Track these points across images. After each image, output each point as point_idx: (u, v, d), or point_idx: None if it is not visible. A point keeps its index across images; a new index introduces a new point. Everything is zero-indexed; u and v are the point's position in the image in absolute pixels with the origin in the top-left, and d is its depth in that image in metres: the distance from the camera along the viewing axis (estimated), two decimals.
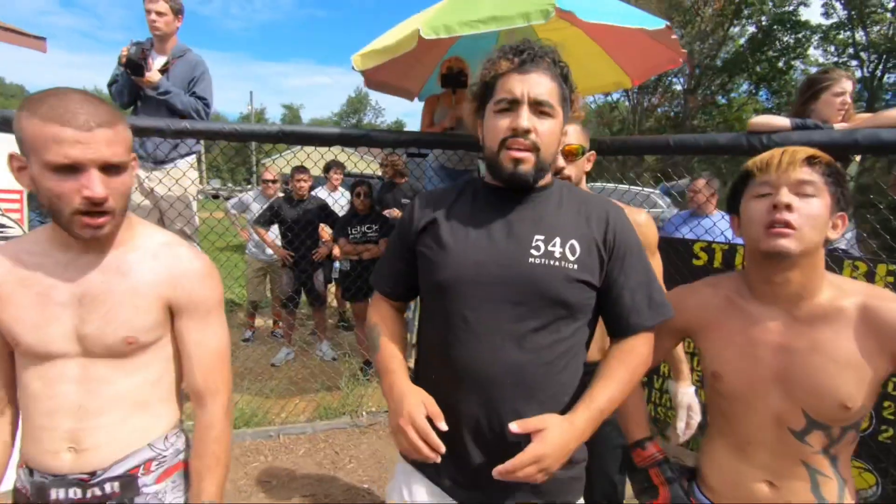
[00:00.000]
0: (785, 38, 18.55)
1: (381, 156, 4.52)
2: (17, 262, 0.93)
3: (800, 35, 18.37)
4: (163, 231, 1.07)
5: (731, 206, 1.03)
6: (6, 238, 2.30)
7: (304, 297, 4.20)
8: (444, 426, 0.89)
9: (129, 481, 0.97)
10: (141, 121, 2.45)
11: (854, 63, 18.30)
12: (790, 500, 0.93)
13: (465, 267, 0.96)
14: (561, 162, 1.42)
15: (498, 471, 0.86)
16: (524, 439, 0.87)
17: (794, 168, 0.90)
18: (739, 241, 4.12)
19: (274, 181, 4.56)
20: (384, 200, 4.21)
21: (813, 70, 19.76)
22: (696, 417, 1.54)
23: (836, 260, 2.24)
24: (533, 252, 0.95)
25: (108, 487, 0.95)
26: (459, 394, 0.95)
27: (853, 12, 16.79)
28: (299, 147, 3.03)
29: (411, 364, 1.10)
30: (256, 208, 4.36)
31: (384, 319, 1.12)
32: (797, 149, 0.93)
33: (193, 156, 2.94)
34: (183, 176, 2.79)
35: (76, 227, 0.87)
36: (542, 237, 0.96)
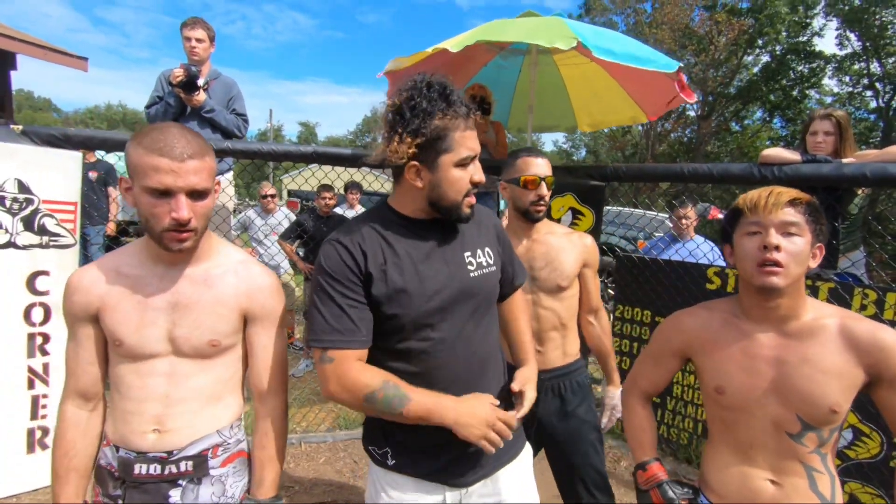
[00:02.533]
0: (799, 68, 18.68)
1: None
2: (120, 273, 1.09)
3: (814, 65, 18.49)
4: (239, 250, 1.23)
5: (725, 236, 1.15)
6: (60, 246, 2.47)
7: None
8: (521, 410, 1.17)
9: (201, 461, 1.10)
10: None
11: (869, 93, 18.35)
12: (792, 495, 1.05)
13: (427, 300, 1.08)
14: (543, 191, 1.67)
15: (517, 417, 1.14)
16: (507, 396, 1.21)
17: (779, 210, 1.03)
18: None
19: (273, 196, 4.62)
20: None
21: (828, 99, 19.89)
22: (617, 415, 1.83)
23: (846, 288, 2.32)
24: (469, 267, 1.15)
25: (182, 465, 1.09)
26: (440, 387, 1.10)
27: (867, 43, 16.91)
28: (317, 166, 3.20)
29: None
30: (260, 223, 4.48)
31: (388, 378, 1.05)
32: (781, 190, 1.05)
33: (231, 172, 3.11)
34: (222, 192, 2.96)
35: (165, 241, 1.02)
36: (468, 252, 1.16)
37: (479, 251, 1.18)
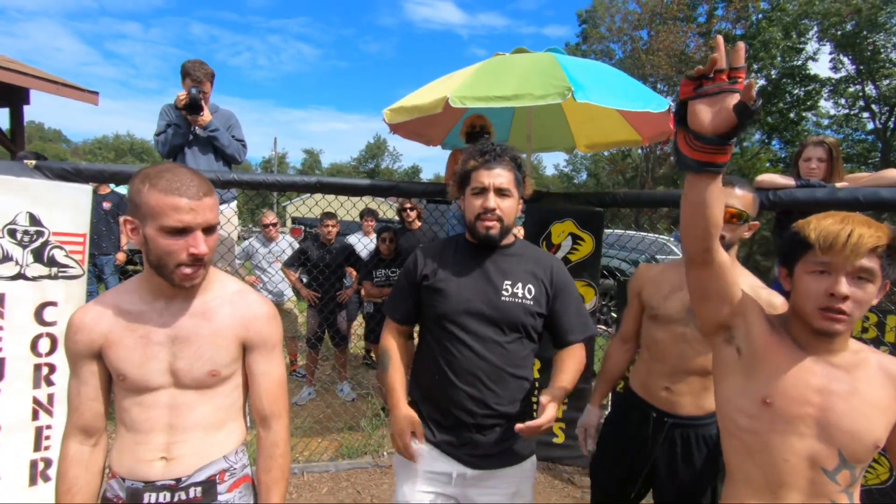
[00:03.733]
0: (795, 91, 18.97)
1: (400, 203, 4.70)
2: (121, 310, 1.13)
3: (809, 88, 18.78)
4: (234, 279, 1.27)
5: (784, 260, 1.06)
6: (68, 277, 2.51)
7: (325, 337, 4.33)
8: (423, 444, 1.44)
9: (209, 486, 1.13)
10: None
11: (866, 115, 18.57)
12: None
13: (458, 303, 1.43)
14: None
15: (521, 428, 1.28)
16: (513, 416, 1.42)
17: (857, 257, 0.92)
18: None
19: (274, 225, 4.64)
20: (399, 245, 4.37)
21: (825, 122, 20.12)
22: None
23: None
24: (503, 293, 1.43)
25: (191, 492, 1.11)
26: (457, 380, 1.41)
27: (861, 67, 17.20)
28: (309, 195, 3.27)
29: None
30: (263, 251, 4.51)
31: (394, 347, 1.55)
32: (863, 233, 0.93)
33: (235, 202, 3.18)
34: (227, 222, 3.02)
35: (178, 277, 1.06)
36: (508, 281, 1.45)
37: (519, 283, 1.45)
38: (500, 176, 1.44)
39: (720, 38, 0.90)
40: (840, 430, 0.96)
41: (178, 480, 1.10)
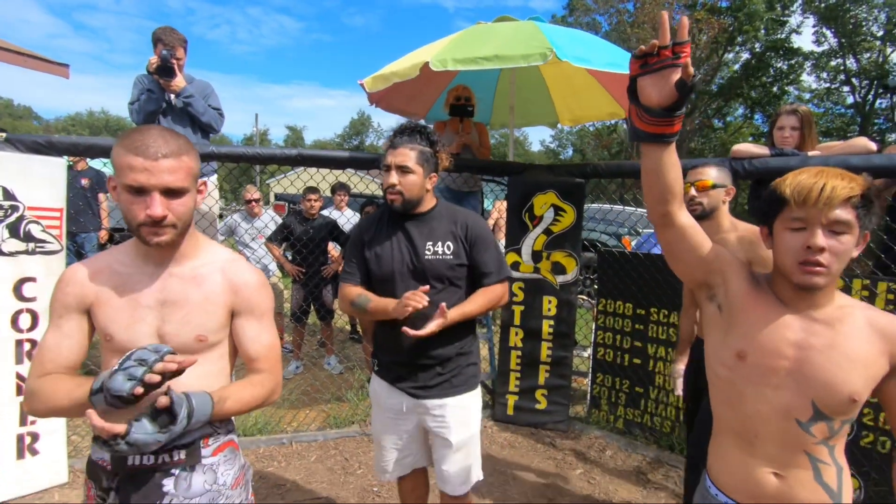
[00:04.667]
0: (778, 65, 19.04)
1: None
2: (113, 271, 1.13)
3: (792, 61, 18.86)
4: (226, 249, 1.26)
5: (762, 219, 1.08)
6: (46, 252, 2.48)
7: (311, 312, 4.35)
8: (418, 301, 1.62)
9: (193, 449, 1.14)
10: None
11: (846, 89, 18.76)
12: (796, 488, 1.01)
13: (390, 265, 1.69)
14: (693, 192, 1.88)
15: (405, 330, 1.55)
16: (449, 358, 1.72)
17: (831, 209, 0.94)
18: None
19: (257, 200, 4.59)
20: None
21: (807, 95, 20.31)
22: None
23: None
24: (426, 252, 1.68)
25: (175, 455, 1.11)
26: (398, 334, 1.61)
27: (843, 40, 17.29)
28: (302, 169, 3.25)
29: None
30: (246, 226, 4.48)
31: (362, 292, 1.73)
32: (836, 185, 0.94)
33: (216, 175, 3.14)
34: (208, 196, 2.99)
35: (143, 235, 1.05)
36: (430, 242, 1.69)
37: (439, 242, 1.70)
38: (401, 155, 1.65)
39: (664, 15, 0.92)
40: (814, 381, 0.98)
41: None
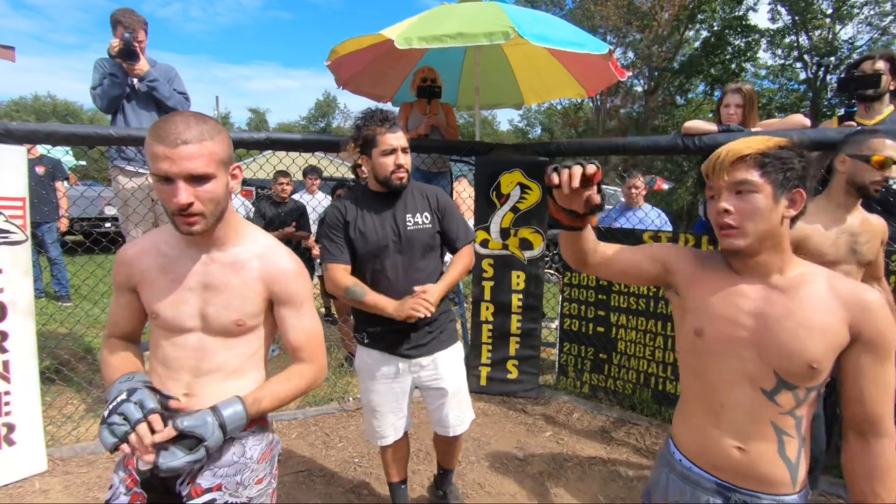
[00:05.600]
0: (736, 42, 19.54)
1: (354, 160, 4.66)
2: (160, 252, 1.18)
3: (749, 39, 19.38)
4: (265, 234, 1.28)
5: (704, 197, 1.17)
6: (11, 243, 2.44)
7: None
8: (427, 312, 1.81)
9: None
10: (137, 132, 2.63)
11: (799, 65, 19.44)
12: (758, 462, 1.02)
13: (376, 239, 1.84)
14: (877, 176, 1.80)
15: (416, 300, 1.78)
16: (435, 318, 1.91)
17: (724, 171, 0.99)
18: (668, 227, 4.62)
19: None
20: None
21: (763, 72, 20.97)
22: None
23: None
24: (408, 224, 1.87)
25: None
26: (389, 297, 1.81)
27: (796, 17, 17.86)
28: (270, 153, 3.26)
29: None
30: None
31: (352, 279, 1.86)
32: (732, 147, 0.99)
33: None
34: None
35: (177, 224, 1.07)
36: (409, 214, 1.88)
37: (418, 214, 1.90)
38: (401, 138, 1.84)
39: (576, 172, 0.95)
40: (773, 350, 0.98)
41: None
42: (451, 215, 1.96)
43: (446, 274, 1.94)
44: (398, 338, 1.89)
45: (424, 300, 1.77)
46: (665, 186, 8.96)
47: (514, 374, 3.47)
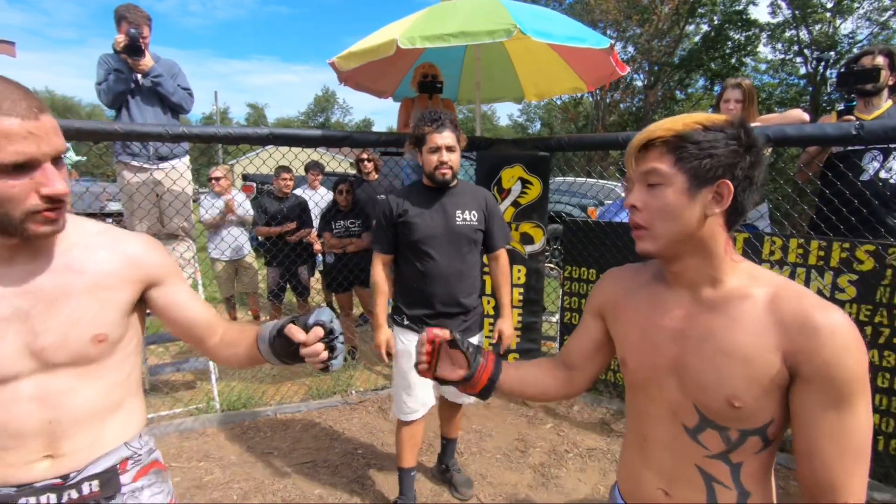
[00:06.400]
0: (736, 36, 19.51)
1: (356, 154, 4.67)
2: None
3: (749, 33, 19.35)
4: (86, 220, 0.97)
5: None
6: None
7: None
8: (388, 360, 2.14)
9: (109, 477, 0.92)
10: (142, 127, 2.65)
11: (799, 60, 19.42)
12: None
13: (427, 230, 2.04)
14: None
15: (504, 346, 2.20)
16: (472, 308, 2.16)
17: (631, 160, 0.83)
18: None
19: (218, 179, 4.43)
20: (357, 196, 4.43)
21: (763, 66, 20.94)
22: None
23: (758, 237, 2.65)
24: (456, 219, 2.07)
25: (85, 488, 0.89)
26: (434, 285, 2.07)
27: (796, 11, 17.82)
28: (273, 148, 3.29)
29: None
30: (208, 205, 4.39)
31: (382, 279, 2.15)
32: (643, 132, 0.82)
33: (188, 157, 3.14)
34: (181, 177, 3.00)
35: (33, 227, 0.78)
36: (459, 211, 2.08)
37: (466, 211, 2.09)
38: (447, 137, 2.00)
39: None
40: (689, 380, 0.82)
41: (66, 477, 0.87)
42: (496, 218, 2.19)
43: (503, 296, 2.24)
44: (438, 323, 2.08)
45: (510, 341, 2.22)
46: None
47: None
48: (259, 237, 4.32)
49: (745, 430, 0.78)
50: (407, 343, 2.11)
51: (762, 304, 0.77)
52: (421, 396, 2.13)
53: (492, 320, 3.31)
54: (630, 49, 19.76)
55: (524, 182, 3.35)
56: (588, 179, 6.77)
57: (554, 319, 4.51)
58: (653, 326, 0.88)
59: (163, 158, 2.99)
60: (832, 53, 17.69)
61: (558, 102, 23.84)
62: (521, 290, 3.45)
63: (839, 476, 0.72)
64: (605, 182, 7.96)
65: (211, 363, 3.27)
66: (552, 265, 5.74)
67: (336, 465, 2.63)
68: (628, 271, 1.01)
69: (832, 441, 0.72)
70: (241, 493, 2.38)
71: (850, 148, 2.50)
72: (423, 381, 2.11)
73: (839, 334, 0.71)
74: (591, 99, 21.81)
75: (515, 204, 3.38)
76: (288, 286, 4.35)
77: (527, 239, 3.40)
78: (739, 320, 0.78)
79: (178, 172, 3.02)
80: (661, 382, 0.86)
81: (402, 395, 2.14)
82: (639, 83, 21.23)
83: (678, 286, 0.87)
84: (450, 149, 2.00)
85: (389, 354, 2.12)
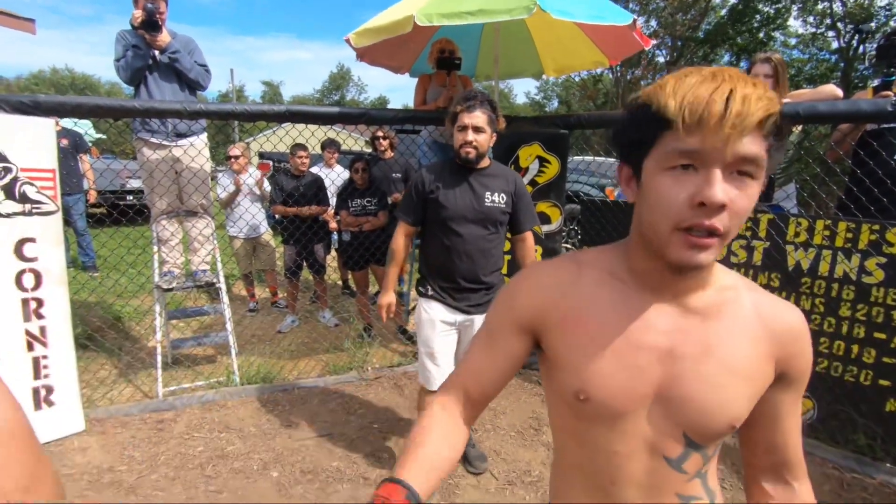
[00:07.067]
0: (765, 9, 18.72)
1: (372, 132, 4.61)
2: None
3: (779, 5, 18.55)
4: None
5: (626, 152, 0.67)
6: (43, 213, 2.52)
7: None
8: (385, 319, 2.26)
9: None
10: (160, 104, 2.66)
11: (831, 34, 18.60)
12: None
13: (455, 209, 2.09)
14: None
15: None
16: (494, 284, 2.21)
17: (739, 137, 0.56)
18: None
19: (237, 157, 4.40)
20: (373, 174, 4.41)
21: (793, 41, 20.12)
22: None
23: (783, 218, 2.58)
24: (485, 201, 2.10)
25: None
26: (458, 261, 2.13)
27: None
28: (278, 126, 3.28)
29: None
30: (226, 183, 4.41)
31: (401, 249, 2.23)
32: (748, 94, 0.55)
33: (206, 133, 3.15)
34: (199, 154, 3.02)
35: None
36: (488, 192, 2.11)
37: (496, 193, 2.12)
38: (476, 117, 2.00)
39: None
40: (685, 407, 0.68)
41: None
42: (524, 201, 2.20)
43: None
44: (462, 295, 2.17)
45: (385, 315, 2.24)
46: None
47: None
48: (276, 216, 4.34)
49: (720, 442, 0.74)
50: (431, 312, 2.18)
51: (750, 309, 0.70)
52: (444, 365, 2.18)
53: None
54: (653, 23, 19.12)
55: (542, 161, 3.30)
56: (607, 159, 6.64)
57: None
58: (631, 347, 0.69)
59: (181, 135, 3.00)
60: (869, 25, 16.89)
61: (577, 79, 23.30)
62: None
63: (800, 449, 0.77)
64: (615, 160, 7.80)
65: (231, 338, 3.34)
66: (568, 246, 5.69)
67: (353, 439, 2.69)
68: (562, 270, 0.76)
69: (797, 426, 0.76)
70: (261, 463, 2.45)
71: (884, 126, 2.40)
72: (446, 349, 2.20)
73: (807, 333, 0.71)
74: (610, 76, 21.27)
75: (533, 183, 3.34)
76: (304, 264, 4.38)
77: (544, 219, 3.37)
78: (736, 331, 0.69)
79: (196, 149, 3.03)
80: (640, 414, 0.70)
81: (427, 362, 2.20)
82: (661, 59, 20.59)
83: (661, 292, 0.69)
84: (477, 129, 2.01)
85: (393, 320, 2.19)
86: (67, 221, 5.44)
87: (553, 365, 0.76)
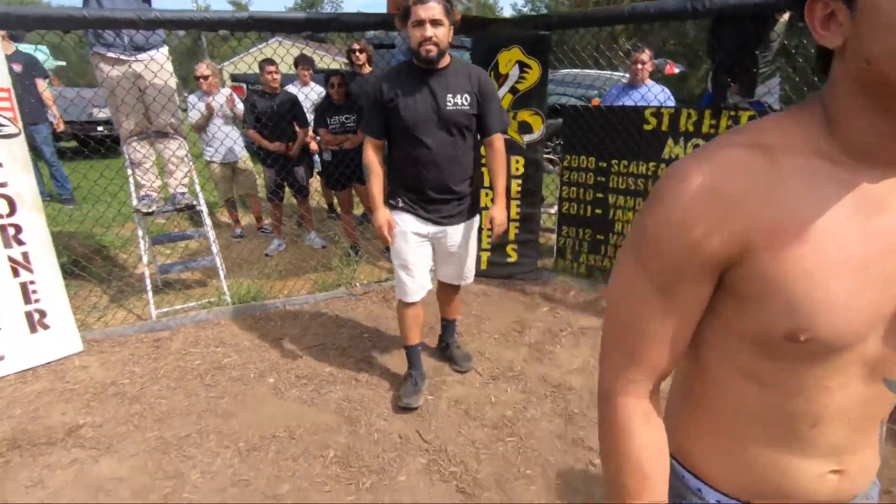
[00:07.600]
0: None
1: (348, 45, 4.38)
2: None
3: None
4: None
5: None
6: (5, 136, 2.42)
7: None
8: (391, 240, 2.10)
9: None
10: (112, 13, 2.48)
11: None
12: (857, 481, 0.64)
13: (416, 116, 1.97)
14: None
15: (496, 234, 2.20)
16: (466, 194, 2.15)
17: None
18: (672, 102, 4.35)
19: (206, 77, 4.17)
20: (351, 90, 4.23)
21: None
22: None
23: (763, 115, 2.56)
24: (447, 104, 1.97)
25: None
26: (424, 171, 2.04)
27: None
28: (255, 48, 3.09)
29: None
30: (202, 107, 4.22)
31: (375, 162, 2.12)
32: None
33: (166, 47, 2.97)
34: (161, 69, 2.86)
35: None
36: (450, 94, 1.97)
37: (458, 94, 1.98)
38: (432, 8, 1.84)
39: None
40: None
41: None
42: (489, 100, 2.05)
43: (498, 183, 2.16)
44: (433, 207, 2.11)
45: (502, 229, 2.17)
46: (676, 70, 8.52)
47: (513, 257, 3.60)
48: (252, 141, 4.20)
49: None
50: (403, 224, 2.11)
51: None
52: (419, 278, 2.19)
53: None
54: None
55: (522, 66, 3.19)
56: (593, 71, 6.40)
57: (553, 211, 4.53)
58: (874, 256, 0.51)
59: (139, 49, 2.83)
60: None
61: None
62: (520, 181, 3.43)
63: None
64: (612, 73, 7.54)
65: (219, 260, 3.37)
66: (551, 158, 5.64)
67: (344, 348, 2.81)
68: (748, 165, 0.52)
69: None
70: (257, 372, 2.58)
71: None
72: (421, 262, 2.18)
73: None
74: None
75: (513, 90, 3.24)
76: (286, 184, 4.31)
77: (525, 128, 3.31)
78: None
79: (157, 64, 2.87)
80: (870, 338, 0.54)
81: (402, 273, 2.19)
82: None
83: (884, 160, 0.50)
84: (435, 22, 1.85)
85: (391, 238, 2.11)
86: (36, 151, 5.23)
87: (746, 299, 0.56)
